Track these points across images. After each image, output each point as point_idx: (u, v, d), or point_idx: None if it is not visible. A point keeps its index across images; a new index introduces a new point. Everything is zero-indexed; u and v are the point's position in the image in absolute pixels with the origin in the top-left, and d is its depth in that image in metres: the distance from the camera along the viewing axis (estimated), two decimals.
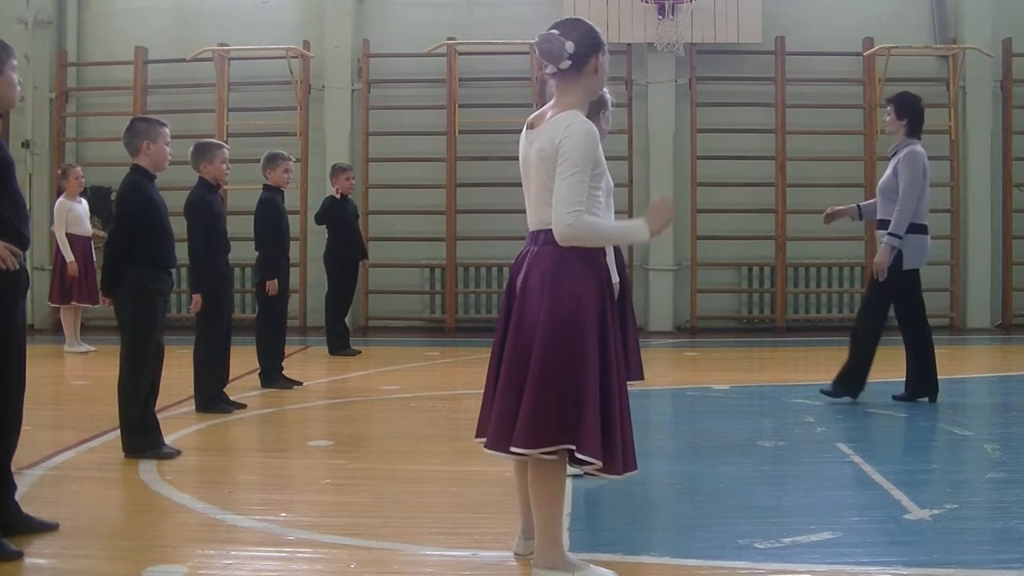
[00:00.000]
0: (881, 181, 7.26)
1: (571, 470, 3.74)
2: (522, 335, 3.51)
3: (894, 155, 7.13)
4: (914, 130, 7.11)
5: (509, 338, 3.56)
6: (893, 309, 7.28)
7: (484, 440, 3.66)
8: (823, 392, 7.35)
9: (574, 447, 3.43)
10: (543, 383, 3.43)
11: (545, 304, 3.48)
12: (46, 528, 4.17)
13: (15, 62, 4.13)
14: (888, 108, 7.24)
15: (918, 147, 7.04)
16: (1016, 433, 6.55)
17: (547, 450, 3.45)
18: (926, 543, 4.08)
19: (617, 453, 3.50)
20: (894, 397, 7.30)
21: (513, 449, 3.46)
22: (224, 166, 7.10)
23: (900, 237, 6.94)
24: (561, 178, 3.42)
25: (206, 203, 7.00)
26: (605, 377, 3.50)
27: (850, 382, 7.29)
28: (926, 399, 7.20)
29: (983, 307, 12.79)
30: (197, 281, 6.94)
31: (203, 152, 7.04)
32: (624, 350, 3.95)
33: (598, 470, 3.50)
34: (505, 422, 3.50)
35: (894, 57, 12.31)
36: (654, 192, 12.14)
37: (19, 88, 4.17)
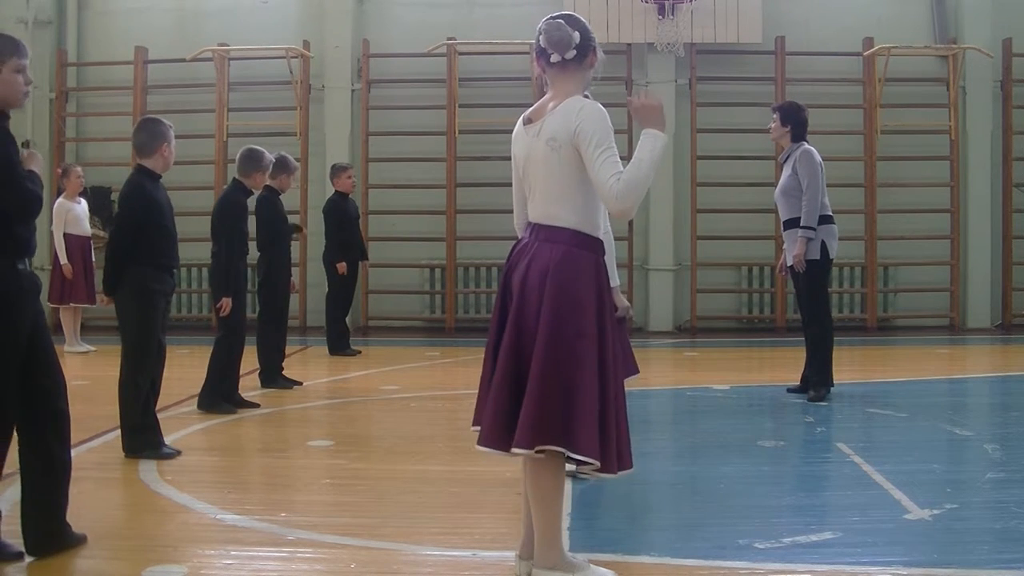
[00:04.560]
0: (780, 184, 7.51)
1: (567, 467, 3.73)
2: (521, 334, 3.50)
3: (787, 158, 7.44)
4: (799, 135, 7.46)
5: (507, 337, 3.53)
6: (798, 301, 7.73)
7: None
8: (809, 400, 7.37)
9: (568, 448, 3.41)
10: (542, 382, 3.42)
11: (545, 304, 3.46)
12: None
13: (24, 62, 3.80)
14: (774, 116, 7.59)
15: (809, 146, 7.38)
16: (1016, 433, 6.55)
17: (541, 449, 3.43)
18: (926, 543, 4.08)
19: (611, 452, 3.48)
20: (788, 390, 7.66)
21: (514, 450, 3.43)
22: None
23: (814, 229, 7.23)
24: (593, 163, 3.44)
25: (241, 206, 7.21)
26: (603, 377, 3.48)
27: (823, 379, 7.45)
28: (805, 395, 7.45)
29: (983, 307, 12.78)
30: (226, 283, 6.96)
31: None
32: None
33: (595, 470, 3.49)
34: (500, 421, 3.48)
35: (894, 57, 12.31)
36: (654, 192, 12.11)
37: (26, 90, 3.81)
